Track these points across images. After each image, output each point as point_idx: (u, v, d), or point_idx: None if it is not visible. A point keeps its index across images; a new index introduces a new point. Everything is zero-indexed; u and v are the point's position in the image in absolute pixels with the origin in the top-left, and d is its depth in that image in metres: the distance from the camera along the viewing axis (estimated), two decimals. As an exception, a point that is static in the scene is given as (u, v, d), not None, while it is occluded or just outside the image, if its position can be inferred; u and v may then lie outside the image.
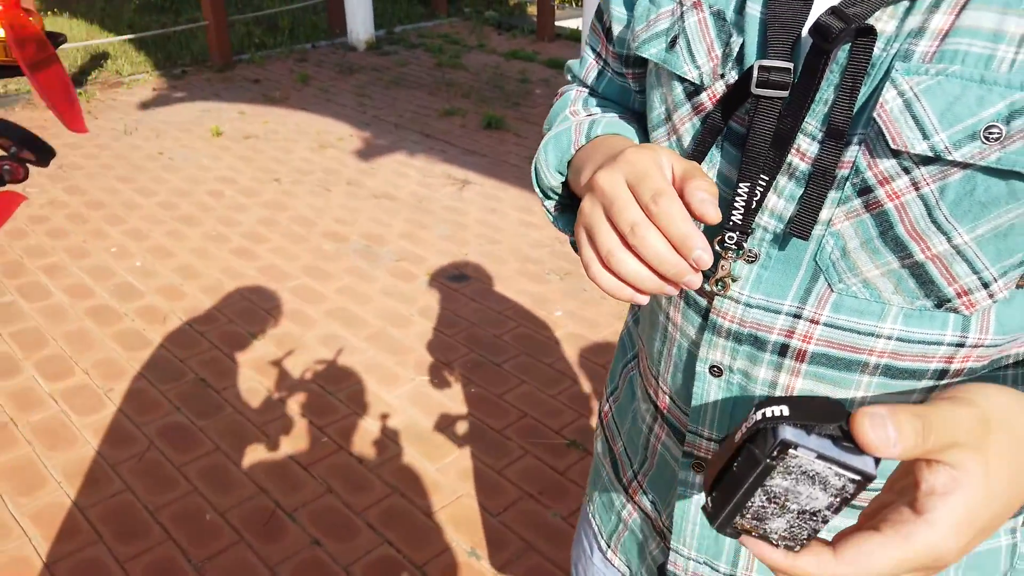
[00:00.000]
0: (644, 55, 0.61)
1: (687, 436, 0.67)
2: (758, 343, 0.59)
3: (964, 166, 0.48)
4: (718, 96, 0.57)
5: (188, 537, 1.96)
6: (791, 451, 0.37)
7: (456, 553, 1.93)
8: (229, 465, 2.19)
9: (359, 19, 6.60)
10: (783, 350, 0.58)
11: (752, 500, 0.40)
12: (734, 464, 0.40)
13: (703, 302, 0.62)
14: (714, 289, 0.58)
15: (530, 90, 5.71)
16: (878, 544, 0.39)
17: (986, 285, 0.52)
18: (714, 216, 0.46)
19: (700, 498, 0.69)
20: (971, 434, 0.39)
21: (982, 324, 0.54)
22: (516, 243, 3.46)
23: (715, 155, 0.59)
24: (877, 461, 0.38)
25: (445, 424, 2.37)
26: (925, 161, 0.49)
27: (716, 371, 0.63)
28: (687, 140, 0.60)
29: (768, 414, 0.39)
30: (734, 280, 0.58)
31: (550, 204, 0.73)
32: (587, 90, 0.78)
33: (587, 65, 0.77)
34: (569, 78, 0.81)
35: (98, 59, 5.99)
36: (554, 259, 3.32)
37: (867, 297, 0.55)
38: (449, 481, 2.16)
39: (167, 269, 3.20)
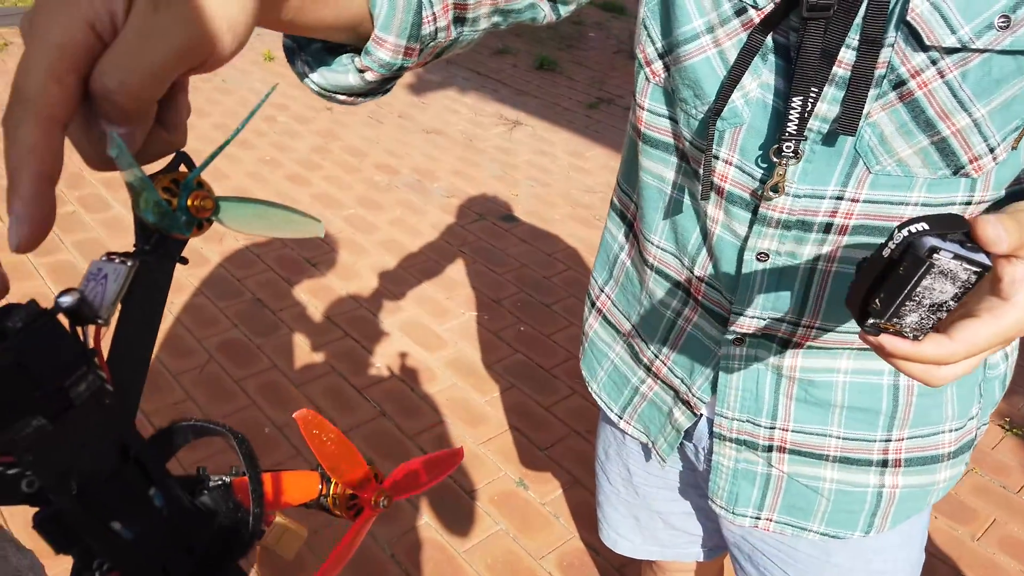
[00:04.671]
0: None
1: (731, 316, 0.75)
2: (805, 226, 0.68)
3: (983, 51, 0.57)
4: (765, 13, 0.62)
5: (248, 448, 2.03)
6: (935, 255, 0.48)
7: (504, 482, 1.99)
8: (286, 383, 2.26)
9: (412, -50, 6.47)
10: (827, 228, 0.67)
11: (905, 301, 0.50)
12: (899, 268, 0.50)
13: (750, 200, 0.68)
14: (769, 193, 0.66)
15: (583, 32, 5.61)
16: (979, 324, 0.49)
17: (992, 150, 0.63)
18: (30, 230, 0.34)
19: (739, 364, 0.78)
20: None
21: (986, 183, 0.65)
22: (566, 187, 3.45)
23: (759, 66, 0.64)
24: (989, 256, 0.49)
25: (494, 359, 2.42)
26: (950, 52, 0.58)
27: (763, 257, 0.70)
28: (732, 53, 0.65)
29: (913, 230, 0.49)
30: (787, 181, 0.66)
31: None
32: None
33: None
34: None
35: (151, -25, 5.95)
36: (605, 206, 3.31)
37: (899, 174, 0.64)
38: (497, 414, 2.21)
39: (222, 190, 3.23)
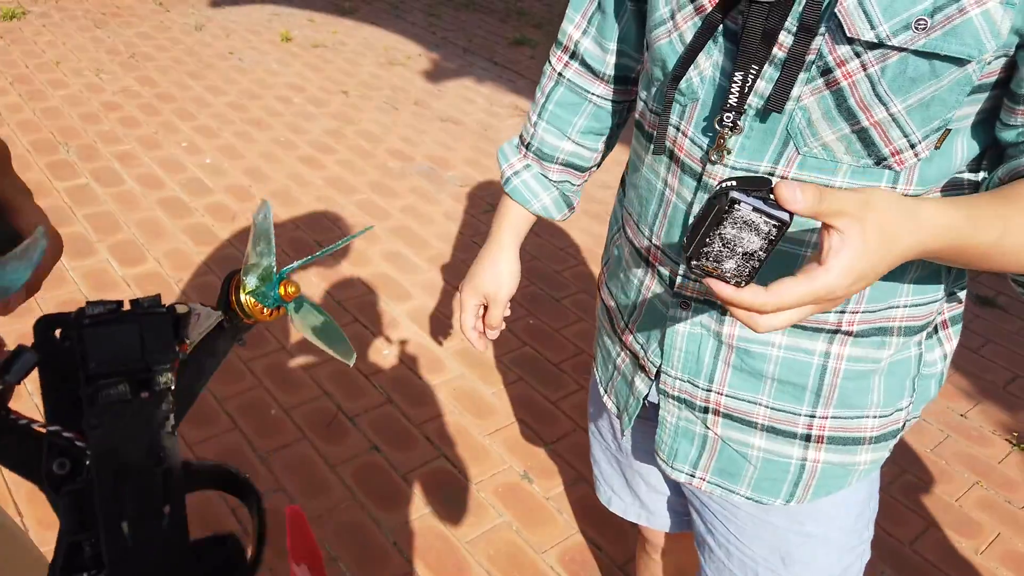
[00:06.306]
0: None
1: (678, 279, 0.83)
2: None
3: (900, 50, 0.63)
4: None
5: (254, 429, 2.03)
6: (736, 205, 0.55)
7: (509, 474, 1.99)
8: (293, 365, 2.25)
9: (433, -64, 6.43)
10: None
11: (712, 243, 0.57)
12: (708, 216, 0.57)
13: (697, 168, 0.77)
14: (713, 158, 0.74)
15: (602, 28, 5.58)
16: (793, 283, 0.56)
17: (913, 146, 0.68)
18: (482, 347, 1.10)
19: (685, 327, 0.85)
20: (856, 208, 0.56)
21: (908, 177, 0.70)
22: (580, 182, 3.44)
23: (712, 48, 0.71)
24: (791, 215, 0.55)
25: (503, 351, 2.41)
26: (871, 46, 0.63)
27: None
28: (688, 35, 0.73)
29: (724, 186, 0.56)
30: (728, 152, 0.73)
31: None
32: (563, 66, 0.96)
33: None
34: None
35: (170, -49, 5.92)
36: (618, 202, 3.30)
37: (825, 157, 0.70)
38: (504, 406, 2.20)
39: (236, 169, 3.23)
